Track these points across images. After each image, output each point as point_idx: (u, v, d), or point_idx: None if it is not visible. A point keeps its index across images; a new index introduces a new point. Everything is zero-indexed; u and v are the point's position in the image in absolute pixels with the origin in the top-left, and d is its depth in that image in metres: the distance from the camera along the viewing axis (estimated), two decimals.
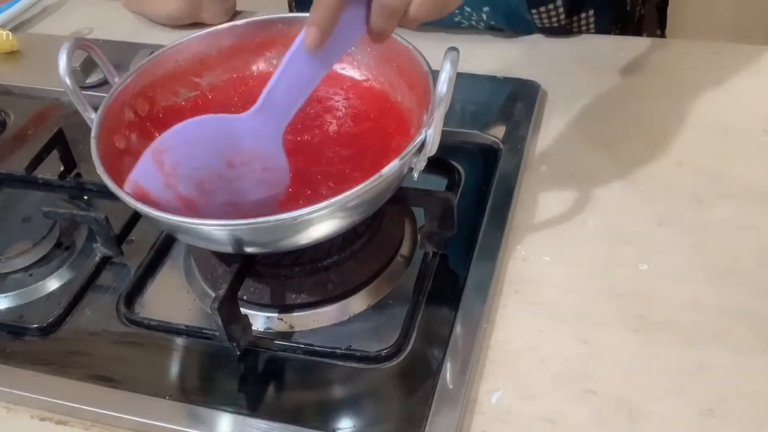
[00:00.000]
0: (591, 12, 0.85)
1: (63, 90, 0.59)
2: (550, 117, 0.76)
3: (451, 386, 0.54)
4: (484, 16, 0.85)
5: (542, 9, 0.83)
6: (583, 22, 0.86)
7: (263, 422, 0.54)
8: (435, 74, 0.54)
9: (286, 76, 0.53)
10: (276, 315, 0.61)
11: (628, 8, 0.88)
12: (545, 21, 0.84)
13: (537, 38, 0.86)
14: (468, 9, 0.85)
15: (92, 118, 0.59)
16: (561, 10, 0.83)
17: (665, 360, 0.56)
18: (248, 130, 0.55)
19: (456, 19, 0.87)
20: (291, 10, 1.04)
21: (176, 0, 0.93)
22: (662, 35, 0.98)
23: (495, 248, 0.63)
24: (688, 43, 0.84)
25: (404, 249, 0.64)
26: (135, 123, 0.63)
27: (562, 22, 0.84)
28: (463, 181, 0.70)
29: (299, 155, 0.61)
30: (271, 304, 0.61)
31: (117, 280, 0.65)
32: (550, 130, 0.75)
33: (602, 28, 0.87)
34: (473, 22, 0.87)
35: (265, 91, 0.54)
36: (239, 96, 0.67)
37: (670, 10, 1.00)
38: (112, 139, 0.60)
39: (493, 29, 0.88)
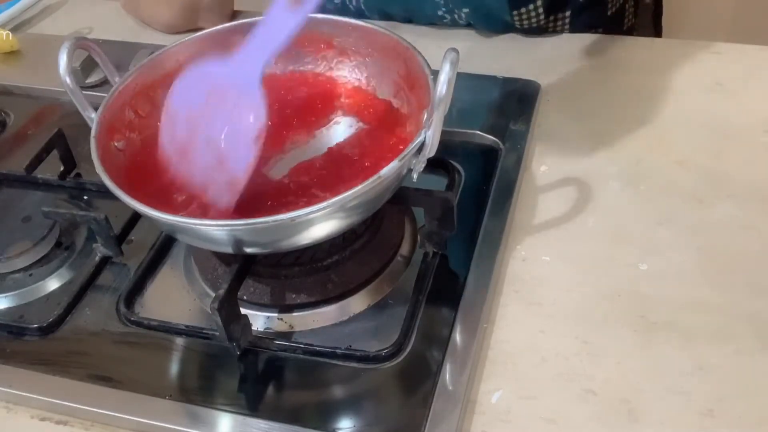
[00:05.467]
0: (568, 13, 0.86)
1: (63, 90, 0.59)
2: (550, 117, 0.76)
3: (451, 386, 0.54)
4: (464, 16, 0.86)
5: (523, 10, 0.84)
6: (559, 22, 0.87)
7: (263, 422, 0.54)
8: (435, 75, 0.54)
9: (268, 22, 0.56)
10: (276, 315, 0.61)
11: (609, 13, 0.88)
12: (525, 22, 0.85)
13: (537, 38, 0.86)
14: (446, 8, 0.85)
15: (92, 117, 0.60)
16: (540, 10, 0.84)
17: (665, 360, 0.56)
18: (230, 71, 0.58)
19: (439, 13, 0.87)
20: None
21: (174, 9, 0.92)
22: None
23: (495, 248, 0.63)
24: (688, 43, 0.84)
25: (404, 249, 0.64)
26: (135, 123, 0.63)
27: (541, 23, 0.85)
28: (463, 181, 0.70)
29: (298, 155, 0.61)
30: (271, 304, 0.61)
31: (117, 280, 0.65)
32: (550, 130, 0.75)
33: (576, 30, 0.87)
34: (456, 18, 0.87)
35: (250, 35, 0.57)
36: None
37: (670, 11, 1.00)
38: (112, 139, 0.60)
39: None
